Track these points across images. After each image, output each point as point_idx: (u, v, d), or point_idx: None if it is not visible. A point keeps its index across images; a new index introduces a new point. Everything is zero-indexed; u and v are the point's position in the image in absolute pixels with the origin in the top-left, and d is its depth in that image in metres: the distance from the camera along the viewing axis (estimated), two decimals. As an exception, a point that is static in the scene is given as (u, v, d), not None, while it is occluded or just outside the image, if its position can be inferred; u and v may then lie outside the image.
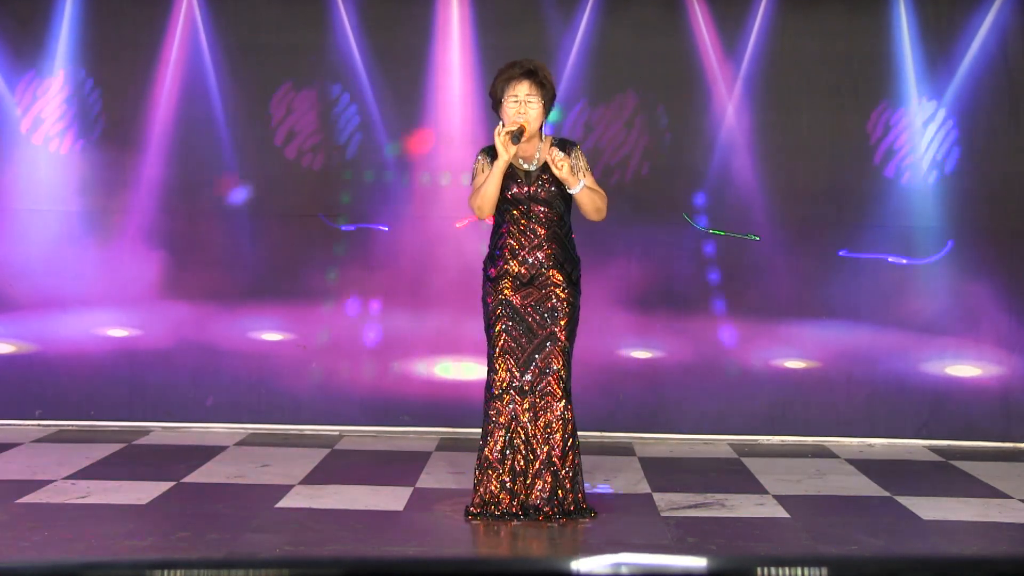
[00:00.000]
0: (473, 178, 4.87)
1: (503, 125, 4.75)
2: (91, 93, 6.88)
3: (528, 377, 4.75)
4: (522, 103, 4.74)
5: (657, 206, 6.90)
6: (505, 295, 4.79)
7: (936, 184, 6.86)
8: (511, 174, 4.79)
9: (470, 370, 6.80)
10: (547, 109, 4.82)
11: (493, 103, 4.85)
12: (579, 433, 4.87)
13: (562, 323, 4.78)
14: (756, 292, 6.90)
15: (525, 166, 4.82)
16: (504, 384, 4.76)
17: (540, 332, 4.77)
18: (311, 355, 6.91)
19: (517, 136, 4.67)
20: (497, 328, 4.78)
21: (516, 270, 4.78)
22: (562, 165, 4.65)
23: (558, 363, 4.76)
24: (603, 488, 5.46)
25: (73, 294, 6.88)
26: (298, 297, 6.90)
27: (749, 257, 6.90)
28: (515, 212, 4.79)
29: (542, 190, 4.79)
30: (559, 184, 4.79)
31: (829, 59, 6.87)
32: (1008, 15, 6.79)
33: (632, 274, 6.86)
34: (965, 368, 6.87)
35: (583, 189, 4.73)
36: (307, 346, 6.87)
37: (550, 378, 4.75)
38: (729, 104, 6.86)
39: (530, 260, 4.78)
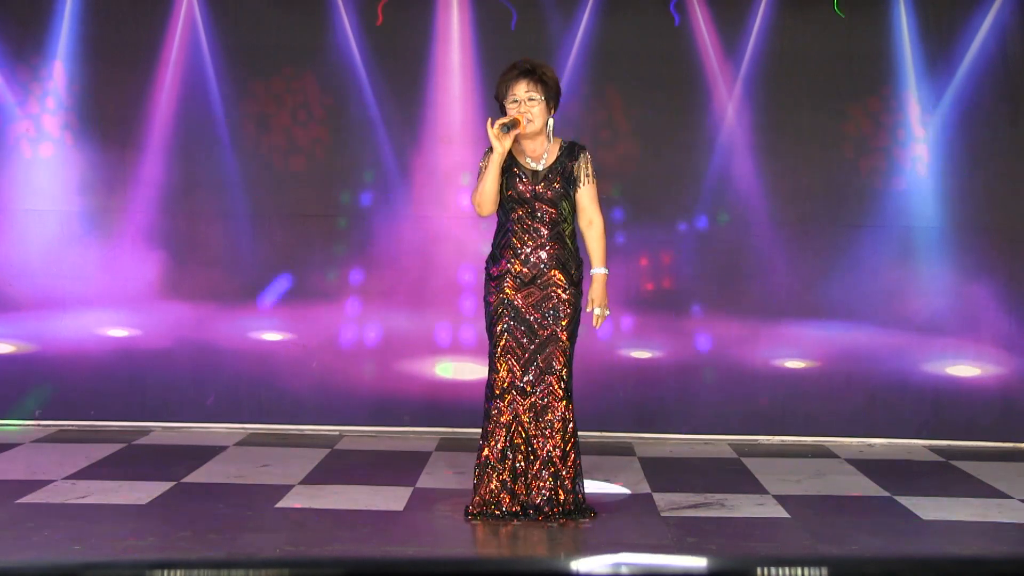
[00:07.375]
0: (478, 177, 4.85)
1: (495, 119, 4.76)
2: (91, 93, 6.88)
3: (529, 377, 4.75)
4: (522, 102, 4.74)
5: (657, 206, 6.90)
6: (507, 294, 4.78)
7: (936, 184, 6.86)
8: (518, 173, 4.79)
9: (470, 370, 6.80)
10: (552, 107, 4.81)
11: (500, 108, 4.85)
12: (579, 433, 4.87)
13: (563, 323, 4.77)
14: (756, 292, 6.90)
15: (532, 165, 4.80)
16: (506, 384, 4.75)
17: (541, 332, 4.76)
18: (311, 355, 6.91)
19: (508, 127, 4.67)
20: (499, 327, 4.78)
21: (518, 269, 4.77)
22: (600, 318, 4.86)
23: (559, 363, 4.75)
24: (606, 487, 5.45)
25: (73, 294, 6.88)
26: (298, 297, 6.91)
27: (749, 257, 6.90)
28: (520, 211, 4.79)
29: (548, 190, 4.78)
30: (565, 184, 4.79)
31: (829, 59, 6.87)
32: (1008, 15, 6.79)
33: (632, 273, 6.86)
34: (965, 368, 6.87)
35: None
36: (307, 345, 6.88)
37: (551, 378, 4.74)
38: (729, 104, 6.86)
39: (532, 259, 4.77)
